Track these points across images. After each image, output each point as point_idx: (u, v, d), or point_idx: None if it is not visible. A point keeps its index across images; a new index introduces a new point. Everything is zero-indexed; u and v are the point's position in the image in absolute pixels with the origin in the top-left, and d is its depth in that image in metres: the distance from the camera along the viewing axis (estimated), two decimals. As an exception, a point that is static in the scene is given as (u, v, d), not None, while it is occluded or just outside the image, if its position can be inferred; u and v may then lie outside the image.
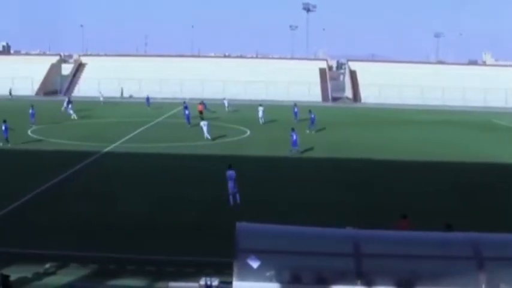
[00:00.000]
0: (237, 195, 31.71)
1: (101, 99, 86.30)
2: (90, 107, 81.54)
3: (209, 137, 54.10)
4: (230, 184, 31.66)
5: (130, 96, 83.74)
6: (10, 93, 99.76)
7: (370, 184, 37.64)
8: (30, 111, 63.25)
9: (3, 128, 49.86)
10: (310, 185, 36.72)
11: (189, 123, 63.73)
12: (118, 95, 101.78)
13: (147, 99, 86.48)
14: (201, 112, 68.15)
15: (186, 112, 64.81)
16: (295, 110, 71.41)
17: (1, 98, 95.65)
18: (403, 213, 23.65)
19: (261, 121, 69.14)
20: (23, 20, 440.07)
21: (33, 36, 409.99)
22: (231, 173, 31.87)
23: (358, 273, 15.09)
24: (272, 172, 41.07)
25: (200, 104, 71.26)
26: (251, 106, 78.73)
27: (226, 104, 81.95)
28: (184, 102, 72.79)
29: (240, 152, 48.10)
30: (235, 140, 55.98)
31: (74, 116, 70.52)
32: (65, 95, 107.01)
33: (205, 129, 54.57)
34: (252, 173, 38.75)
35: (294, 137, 47.50)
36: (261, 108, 70.32)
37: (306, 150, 48.84)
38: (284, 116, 73.19)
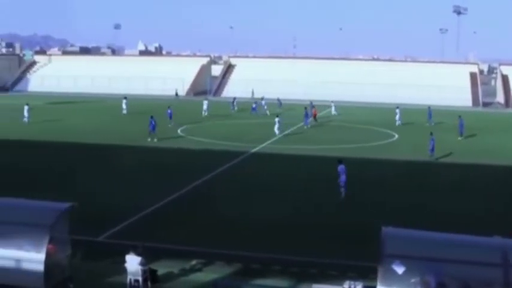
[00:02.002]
0: (343, 189, 33.10)
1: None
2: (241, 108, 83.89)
3: (278, 133, 58.23)
4: (342, 178, 33.10)
5: (262, 98, 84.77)
6: (176, 94, 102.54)
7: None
8: (168, 111, 65.55)
9: (152, 123, 53.44)
10: (453, 192, 35.91)
11: (307, 124, 66.51)
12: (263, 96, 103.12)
13: (278, 100, 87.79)
14: (315, 116, 71.14)
15: (308, 114, 67.31)
16: (430, 112, 72.29)
17: (167, 98, 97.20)
18: None
19: (397, 123, 69.63)
20: (174, 22, 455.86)
21: (183, 37, 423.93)
22: (342, 167, 33.45)
23: (506, 284, 14.75)
24: (413, 177, 40.39)
25: (314, 108, 73.73)
26: (389, 109, 78.16)
27: (333, 109, 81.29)
28: (310, 103, 74.62)
29: (387, 155, 48.08)
30: (383, 144, 55.59)
31: (205, 113, 73.81)
32: (214, 95, 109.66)
33: (277, 125, 58.79)
34: (396, 178, 38.83)
35: (432, 142, 47.29)
36: (398, 111, 71.00)
37: (444, 156, 47.97)
38: (418, 119, 73.31)
